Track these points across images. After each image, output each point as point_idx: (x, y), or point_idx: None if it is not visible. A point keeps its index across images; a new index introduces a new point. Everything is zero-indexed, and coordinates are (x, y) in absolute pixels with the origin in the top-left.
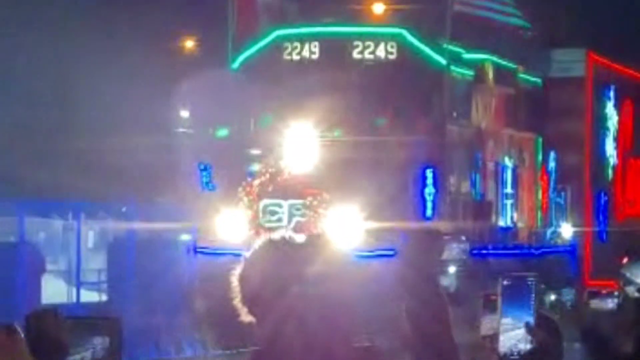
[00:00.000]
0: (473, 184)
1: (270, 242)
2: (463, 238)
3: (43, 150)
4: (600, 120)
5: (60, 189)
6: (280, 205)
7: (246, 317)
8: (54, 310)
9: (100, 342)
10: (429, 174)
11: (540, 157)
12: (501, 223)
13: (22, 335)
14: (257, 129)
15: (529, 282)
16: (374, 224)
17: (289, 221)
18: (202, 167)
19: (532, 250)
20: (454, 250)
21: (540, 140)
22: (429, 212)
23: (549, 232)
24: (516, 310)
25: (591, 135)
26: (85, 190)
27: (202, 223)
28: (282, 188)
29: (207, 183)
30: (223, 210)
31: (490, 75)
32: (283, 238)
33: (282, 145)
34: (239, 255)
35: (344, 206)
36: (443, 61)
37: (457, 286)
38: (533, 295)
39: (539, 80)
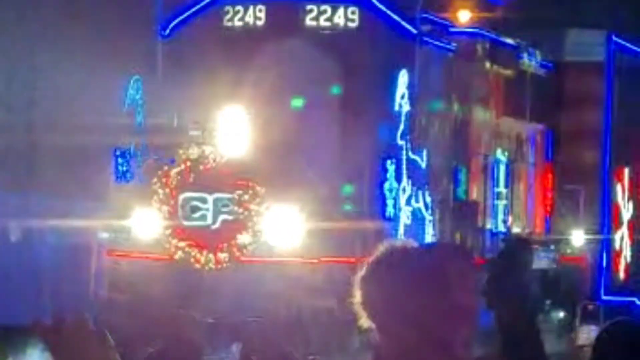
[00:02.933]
0: (452, 180)
1: (392, 247)
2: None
3: None
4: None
5: None
6: (203, 200)
7: (365, 322)
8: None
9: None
10: (390, 165)
11: (549, 153)
12: (489, 227)
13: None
14: (189, 108)
15: None
16: (317, 225)
17: (214, 220)
18: (118, 153)
19: None
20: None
21: (550, 133)
22: (389, 210)
23: (552, 239)
24: None
25: (611, 129)
26: None
27: (114, 220)
28: (207, 178)
29: (123, 173)
30: (137, 205)
31: (481, 52)
32: (404, 244)
33: (211, 127)
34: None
35: (283, 202)
36: (414, 31)
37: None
38: None
39: (550, 64)
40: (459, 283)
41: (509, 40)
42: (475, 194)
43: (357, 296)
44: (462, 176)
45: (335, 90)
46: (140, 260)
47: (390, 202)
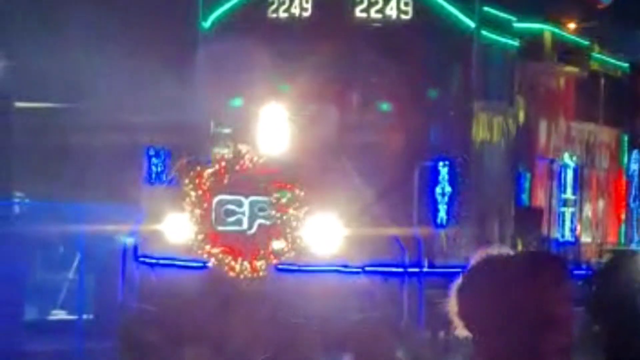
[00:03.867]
0: (515, 185)
1: (487, 256)
2: None
3: None
4: None
5: None
6: (239, 203)
7: (462, 331)
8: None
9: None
10: (443, 168)
11: (625, 159)
12: (555, 235)
13: None
14: (228, 105)
15: None
16: (359, 231)
17: (250, 224)
18: (152, 152)
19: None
20: None
21: (626, 138)
22: (441, 216)
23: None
24: None
25: None
26: None
27: (146, 224)
28: (242, 180)
29: (157, 174)
30: (169, 209)
31: (547, 50)
32: (500, 253)
33: (251, 126)
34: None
35: (324, 207)
36: (472, 24)
37: None
38: None
39: (625, 64)
40: (554, 292)
41: (580, 38)
42: (540, 200)
43: (453, 305)
44: (525, 181)
45: (387, 87)
46: (172, 268)
47: (442, 208)
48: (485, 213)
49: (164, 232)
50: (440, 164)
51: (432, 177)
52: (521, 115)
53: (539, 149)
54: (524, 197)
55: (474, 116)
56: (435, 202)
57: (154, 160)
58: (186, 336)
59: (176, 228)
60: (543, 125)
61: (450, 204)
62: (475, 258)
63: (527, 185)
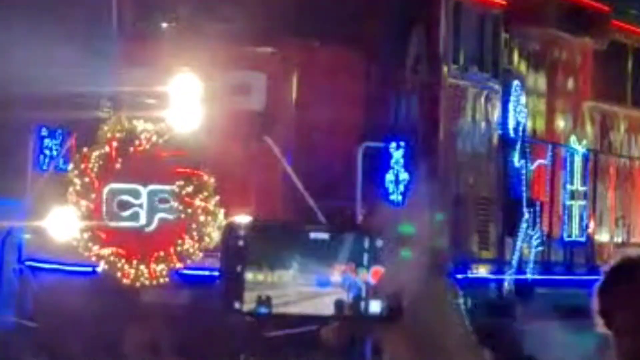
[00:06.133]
0: (504, 174)
1: (628, 257)
2: None
3: None
4: None
5: None
6: (135, 193)
7: (602, 328)
8: None
9: None
10: (396, 151)
11: None
12: (561, 233)
13: None
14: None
15: None
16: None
17: (149, 219)
18: (45, 132)
19: None
20: None
21: None
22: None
23: None
24: None
25: None
26: None
27: (29, 219)
28: (139, 164)
29: (50, 159)
30: (55, 199)
31: (549, 13)
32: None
33: (150, 93)
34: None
35: (241, 198)
36: None
37: None
38: None
39: None
40: None
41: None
42: (540, 192)
43: (595, 304)
44: (519, 169)
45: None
46: (55, 274)
47: (395, 199)
48: (457, 206)
49: (48, 229)
50: (393, 145)
51: (382, 162)
52: (512, 91)
53: (539, 131)
54: (519, 187)
55: (443, 88)
56: (386, 192)
57: (47, 141)
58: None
59: (60, 224)
60: (542, 104)
61: (405, 194)
62: (616, 259)
63: (520, 173)
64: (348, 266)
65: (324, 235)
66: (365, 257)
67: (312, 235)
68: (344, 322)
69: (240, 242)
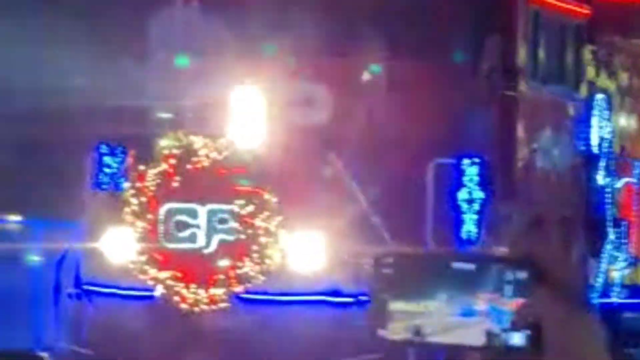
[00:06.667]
0: (589, 192)
1: None
2: None
3: None
4: None
5: None
6: (193, 213)
7: None
8: None
9: None
10: (470, 167)
11: None
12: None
13: None
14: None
15: None
16: (351, 249)
17: (208, 241)
18: (105, 150)
19: None
20: None
21: None
22: (468, 229)
23: None
24: None
25: None
26: None
27: (85, 241)
28: (198, 183)
29: (111, 178)
30: (112, 220)
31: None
32: None
33: (209, 109)
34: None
35: (305, 218)
36: None
37: None
38: None
39: None
40: None
41: None
42: (627, 211)
43: None
44: (608, 187)
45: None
46: (112, 298)
47: (469, 218)
48: (534, 227)
49: (104, 252)
50: (466, 161)
51: (454, 179)
52: (596, 105)
53: (627, 148)
54: (602, 206)
55: (520, 100)
56: (458, 212)
57: (106, 159)
58: None
59: (116, 246)
60: (631, 119)
61: (481, 214)
62: None
63: (605, 191)
64: (492, 297)
65: (470, 266)
66: (509, 288)
67: (457, 265)
68: (488, 352)
69: (388, 271)
